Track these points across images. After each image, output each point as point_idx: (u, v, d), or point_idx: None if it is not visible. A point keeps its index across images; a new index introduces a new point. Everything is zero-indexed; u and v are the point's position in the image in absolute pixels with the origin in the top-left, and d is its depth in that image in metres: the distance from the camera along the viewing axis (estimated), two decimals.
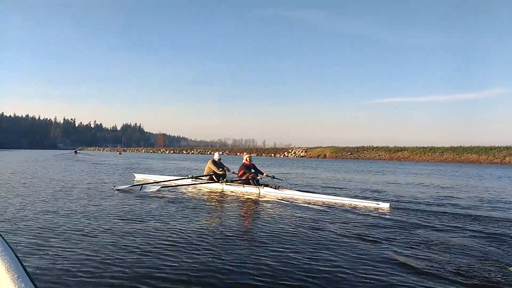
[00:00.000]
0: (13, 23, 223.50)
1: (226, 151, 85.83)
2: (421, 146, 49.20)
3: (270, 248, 3.90)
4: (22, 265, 1.01)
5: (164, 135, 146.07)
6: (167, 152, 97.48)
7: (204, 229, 4.78)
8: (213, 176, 9.71)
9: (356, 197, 8.23)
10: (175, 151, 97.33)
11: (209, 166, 9.88)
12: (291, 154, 66.24)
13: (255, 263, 3.42)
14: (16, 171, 16.28)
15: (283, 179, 10.44)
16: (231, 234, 4.52)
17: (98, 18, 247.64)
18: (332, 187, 11.11)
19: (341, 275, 3.17)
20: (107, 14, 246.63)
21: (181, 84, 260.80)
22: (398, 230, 4.98)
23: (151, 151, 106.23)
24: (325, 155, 57.96)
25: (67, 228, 4.67)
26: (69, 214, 5.64)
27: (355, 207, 6.91)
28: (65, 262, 3.35)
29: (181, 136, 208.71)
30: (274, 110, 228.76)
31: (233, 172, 9.94)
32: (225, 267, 3.29)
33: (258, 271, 3.21)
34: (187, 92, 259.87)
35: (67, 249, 3.72)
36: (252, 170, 9.34)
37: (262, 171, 9.66)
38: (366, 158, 52.36)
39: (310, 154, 61.70)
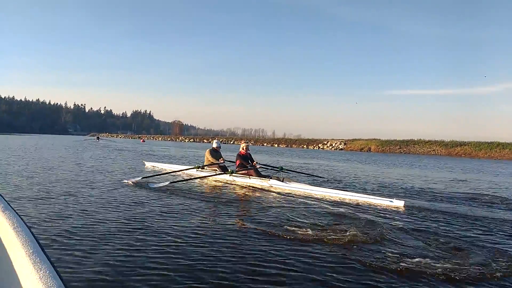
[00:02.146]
0: (23, 8, 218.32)
1: (251, 141, 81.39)
2: (485, 141, 44.38)
3: (265, 246, 3.71)
4: (37, 241, 1.06)
5: (180, 123, 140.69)
6: (186, 140, 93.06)
7: (203, 225, 4.52)
8: (216, 167, 9.30)
9: (369, 193, 7.69)
10: (195, 140, 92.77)
11: (207, 156, 9.46)
12: (327, 146, 61.57)
13: (248, 260, 3.26)
14: (81, 164, 12.36)
15: (297, 171, 10.43)
16: (232, 229, 4.33)
17: (109, 4, 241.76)
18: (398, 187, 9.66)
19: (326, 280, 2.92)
20: (118, 0, 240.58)
21: (189, 72, 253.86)
22: (405, 233, 4.45)
23: (168, 139, 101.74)
24: (369, 149, 53.27)
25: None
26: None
27: (366, 204, 6.41)
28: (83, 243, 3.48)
29: (189, 124, 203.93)
30: (284, 100, 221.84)
31: (226, 161, 9.67)
32: (225, 263, 3.18)
33: (253, 268, 3.08)
34: (195, 80, 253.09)
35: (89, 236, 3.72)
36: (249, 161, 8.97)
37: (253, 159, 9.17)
38: (418, 153, 47.68)
39: (350, 147, 56.98)
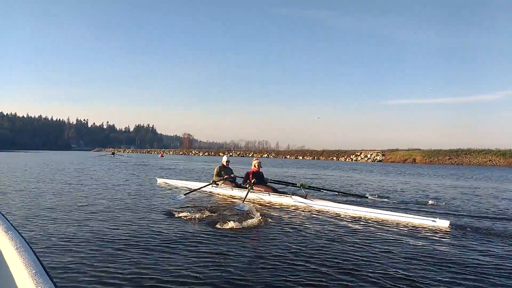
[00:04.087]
0: (24, 22, 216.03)
1: (272, 153, 76.86)
2: None
3: (294, 271, 3.35)
4: (40, 261, 1.07)
5: (190, 137, 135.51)
6: (201, 154, 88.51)
7: (223, 244, 4.21)
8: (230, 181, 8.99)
9: (406, 211, 6.76)
10: (209, 154, 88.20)
11: (216, 172, 9.19)
12: (361, 158, 57.13)
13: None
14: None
15: (318, 188, 9.43)
16: (254, 253, 3.93)
17: (109, 18, 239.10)
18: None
19: None
20: (118, 14, 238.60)
21: (190, 85, 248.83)
22: (447, 260, 3.76)
23: (180, 153, 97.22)
24: (414, 160, 48.85)
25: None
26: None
27: (402, 224, 5.69)
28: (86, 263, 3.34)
29: (191, 137, 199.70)
30: (281, 111, 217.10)
31: (236, 176, 9.18)
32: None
33: None
34: (193, 92, 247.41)
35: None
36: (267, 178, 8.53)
37: (265, 178, 8.51)
38: (472, 164, 43.30)
39: (391, 158, 52.52)
